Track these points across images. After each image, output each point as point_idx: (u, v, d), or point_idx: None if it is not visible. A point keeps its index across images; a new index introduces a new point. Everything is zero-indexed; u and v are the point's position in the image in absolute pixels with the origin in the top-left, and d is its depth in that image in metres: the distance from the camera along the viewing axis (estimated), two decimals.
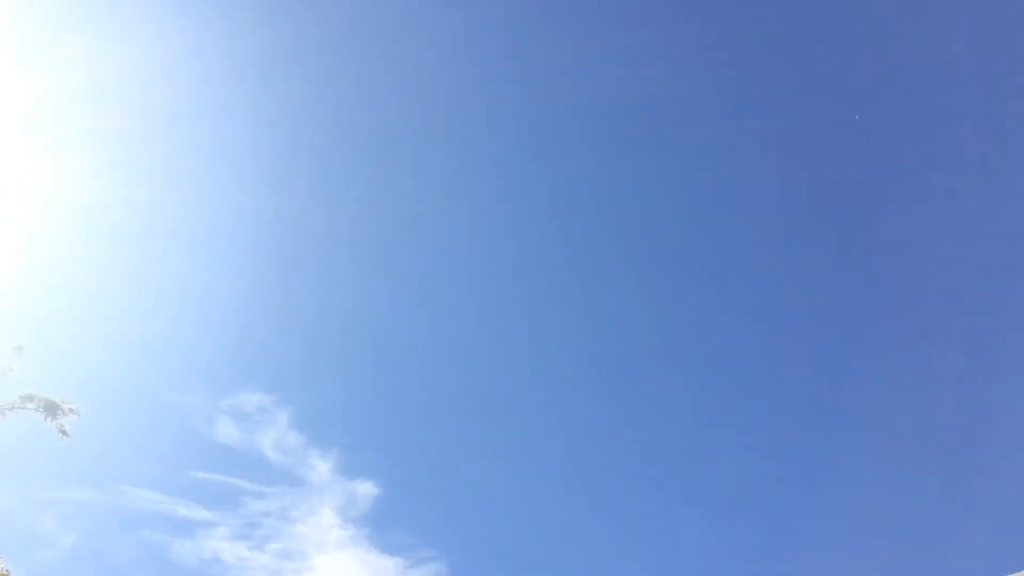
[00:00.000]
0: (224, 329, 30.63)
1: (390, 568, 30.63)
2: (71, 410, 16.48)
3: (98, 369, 28.64)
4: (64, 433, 16.43)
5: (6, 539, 27.09)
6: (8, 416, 16.16)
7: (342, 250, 30.97)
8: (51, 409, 16.33)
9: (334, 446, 31.15)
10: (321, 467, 30.63)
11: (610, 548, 31.40)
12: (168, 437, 31.05)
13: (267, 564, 30.10)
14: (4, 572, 15.14)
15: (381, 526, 31.35)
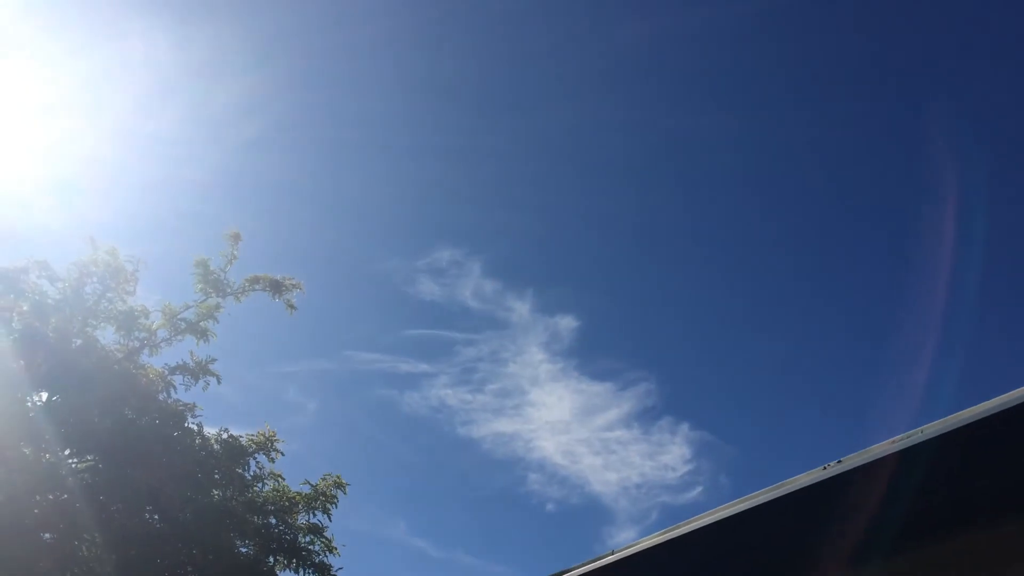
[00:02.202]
0: (408, 194, 32.79)
1: (602, 393, 32.07)
2: (294, 285, 17.55)
3: (305, 245, 31.21)
4: (292, 307, 17.50)
5: (262, 410, 31.98)
6: (241, 299, 17.29)
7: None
8: (276, 287, 17.40)
9: (528, 287, 32.72)
10: (520, 308, 32.30)
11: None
12: (377, 302, 33.62)
13: (488, 404, 32.04)
14: (271, 433, 16.12)
15: (586, 355, 32.81)
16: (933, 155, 23.07)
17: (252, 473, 15.62)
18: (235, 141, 27.69)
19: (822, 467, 4.42)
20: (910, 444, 3.95)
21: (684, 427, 31.20)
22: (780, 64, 30.11)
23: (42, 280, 15.07)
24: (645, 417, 31.68)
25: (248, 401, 28.23)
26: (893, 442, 4.13)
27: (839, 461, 4.34)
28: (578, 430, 32.50)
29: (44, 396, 14.53)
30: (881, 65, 27.77)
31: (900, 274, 27.24)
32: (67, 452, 14.56)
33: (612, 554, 5.09)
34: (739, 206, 33.15)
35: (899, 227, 27.56)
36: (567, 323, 32.46)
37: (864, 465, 4.06)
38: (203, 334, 16.42)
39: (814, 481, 4.23)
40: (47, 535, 13.51)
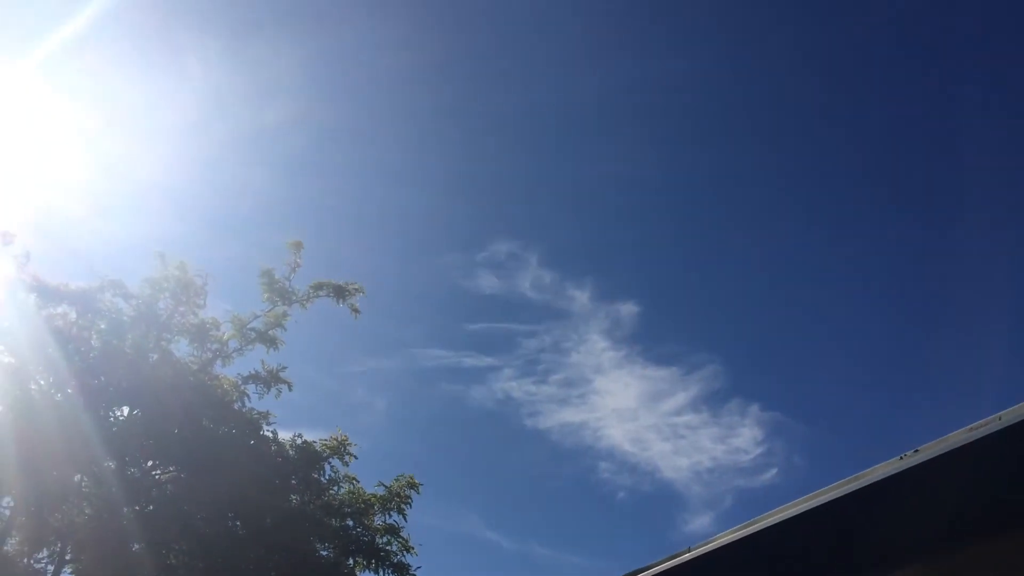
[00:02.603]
0: (461, 190, 33.20)
1: (667, 377, 32.01)
2: (356, 290, 17.83)
3: (365, 248, 31.82)
4: (356, 311, 17.80)
5: (332, 412, 32.62)
6: (306, 306, 17.62)
7: None
8: (339, 292, 17.69)
9: (586, 275, 32.94)
10: (580, 297, 32.53)
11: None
12: (438, 298, 34.26)
13: (554, 394, 32.33)
14: (343, 437, 16.42)
15: (649, 341, 32.88)
16: None
17: (327, 477, 15.95)
18: (289, 153, 28.27)
19: (899, 457, 4.35)
20: (988, 432, 3.87)
21: (754, 408, 30.83)
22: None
23: (117, 299, 15.56)
24: (713, 400, 31.39)
25: (318, 404, 28.81)
26: (970, 430, 4.05)
27: (916, 451, 4.27)
28: (646, 416, 32.36)
29: (125, 411, 15.02)
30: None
31: (983, 258, 26.37)
32: (150, 464, 15.07)
33: (688, 551, 5.09)
34: (800, 178, 32.58)
35: (993, 216, 26.55)
36: (628, 309, 32.34)
37: (942, 455, 3.99)
38: (272, 342, 16.78)
39: (891, 472, 4.17)
40: (136, 546, 13.99)
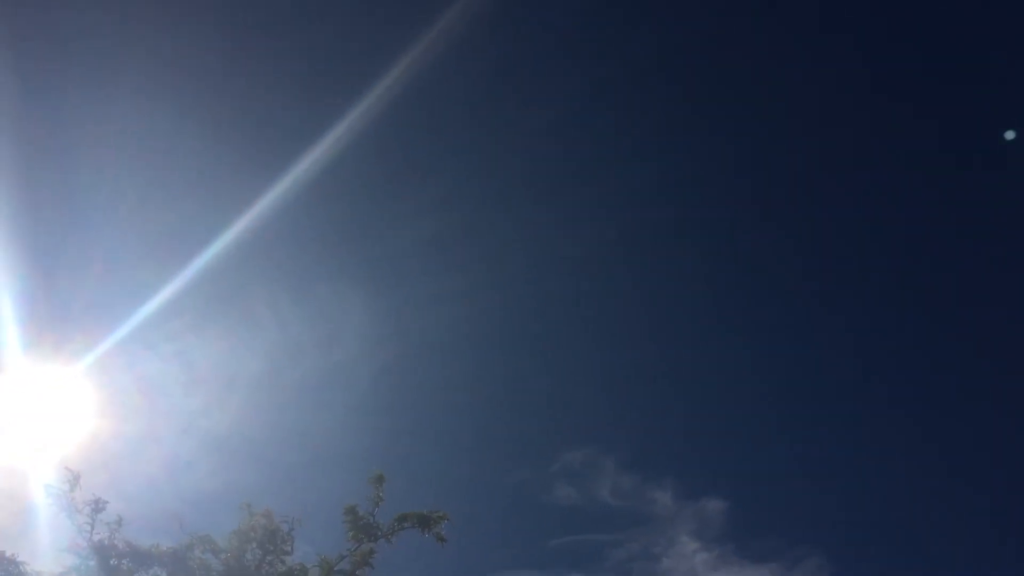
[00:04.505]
0: (527, 402, 32.72)
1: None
2: (440, 518, 17.62)
3: (440, 473, 30.94)
4: (441, 539, 17.49)
5: None
6: (392, 540, 17.40)
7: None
8: (424, 522, 17.47)
9: (666, 475, 31.44)
10: (662, 498, 30.98)
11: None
12: (518, 516, 32.63)
13: None
14: None
15: (743, 537, 30.86)
16: None
17: None
18: (359, 388, 28.95)
19: None
20: None
21: None
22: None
23: (207, 555, 15.61)
24: None
25: None
26: None
27: None
28: None
29: None
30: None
31: None
32: None
33: None
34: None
35: None
36: (714, 506, 31.29)
37: None
38: None
39: None
40: None
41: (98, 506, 15.23)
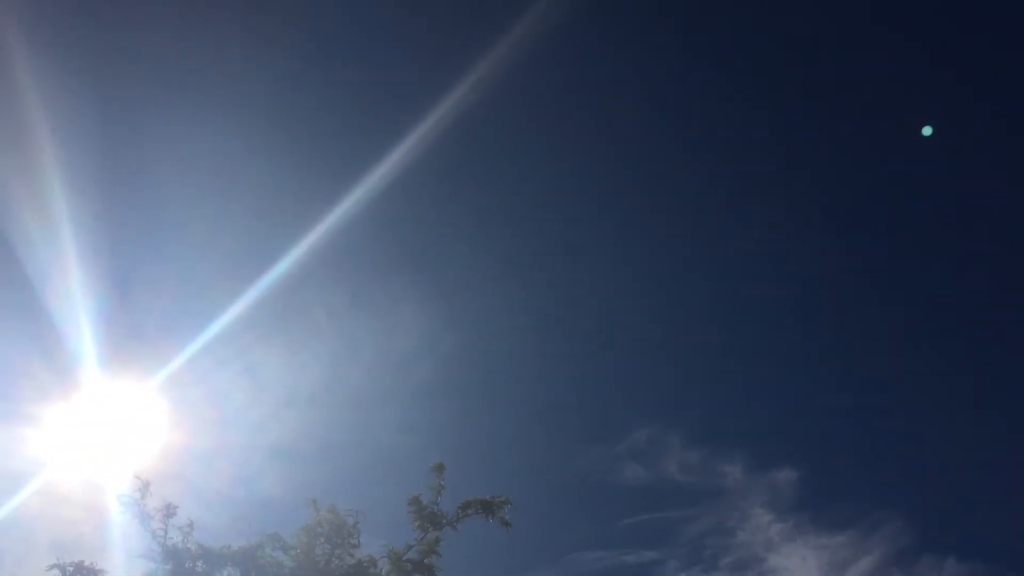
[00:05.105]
0: (589, 381, 32.58)
1: (846, 543, 29.05)
2: (503, 503, 17.66)
3: (503, 458, 31.10)
4: (506, 523, 17.52)
5: None
6: (457, 527, 17.51)
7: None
8: (487, 507, 17.53)
9: (735, 448, 31.00)
10: (732, 471, 30.61)
11: None
12: (587, 498, 32.59)
13: None
14: None
15: (817, 506, 30.32)
16: None
17: None
18: (419, 381, 29.18)
19: None
20: None
21: (950, 562, 28.13)
22: None
23: (276, 552, 15.91)
24: (903, 560, 28.81)
25: None
26: None
27: None
28: None
29: None
30: None
31: None
32: None
33: None
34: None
35: None
36: (786, 476, 30.76)
37: None
38: (430, 571, 16.63)
39: None
40: None
41: (169, 511, 15.65)
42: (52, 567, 14.49)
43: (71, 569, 14.57)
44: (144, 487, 15.51)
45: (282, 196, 29.55)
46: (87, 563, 14.71)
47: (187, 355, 23.95)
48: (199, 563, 15.44)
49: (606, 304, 34.07)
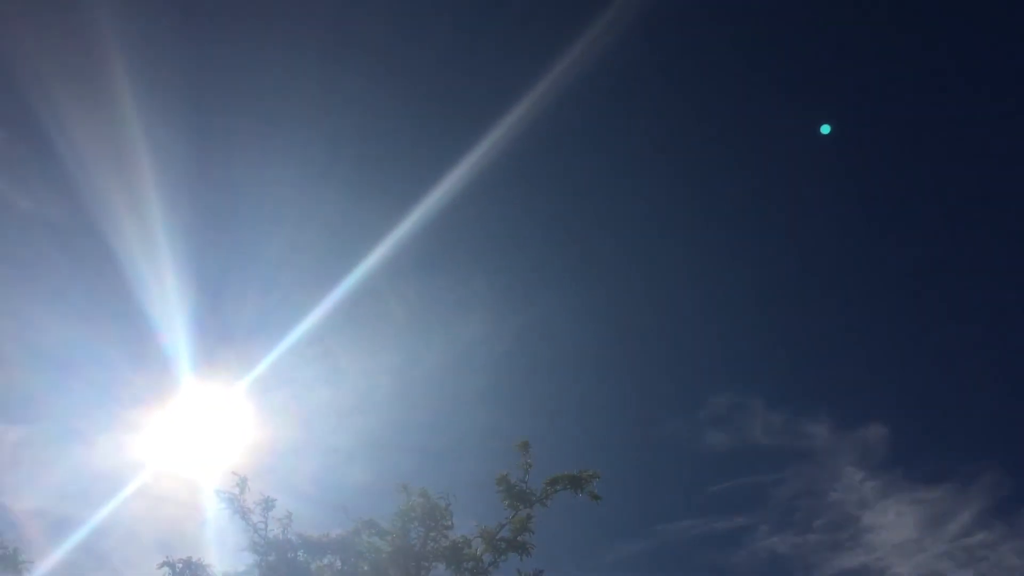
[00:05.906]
0: (666, 352, 32.39)
1: (943, 496, 28.21)
2: (591, 476, 17.67)
3: (587, 431, 31.22)
4: (595, 497, 17.55)
5: None
6: (547, 504, 17.60)
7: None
8: (575, 482, 17.56)
9: (818, 407, 30.38)
10: (818, 431, 29.87)
11: None
12: (672, 467, 32.50)
13: (822, 541, 29.13)
14: None
15: (911, 461, 29.48)
16: None
17: None
18: (495, 357, 29.37)
19: None
20: None
21: None
22: None
23: (373, 538, 16.25)
24: (1004, 509, 27.83)
25: None
26: None
27: None
28: (933, 545, 29.05)
29: None
30: None
31: None
32: None
33: None
34: None
35: None
36: (875, 432, 30.01)
37: None
38: (523, 548, 16.75)
39: None
40: None
41: (268, 504, 16.11)
42: (162, 565, 15.04)
43: (180, 566, 15.14)
44: (242, 483, 15.95)
45: (360, 205, 30.15)
46: (194, 559, 15.23)
47: (274, 356, 24.67)
48: (300, 552, 15.87)
49: (681, 273, 33.70)
